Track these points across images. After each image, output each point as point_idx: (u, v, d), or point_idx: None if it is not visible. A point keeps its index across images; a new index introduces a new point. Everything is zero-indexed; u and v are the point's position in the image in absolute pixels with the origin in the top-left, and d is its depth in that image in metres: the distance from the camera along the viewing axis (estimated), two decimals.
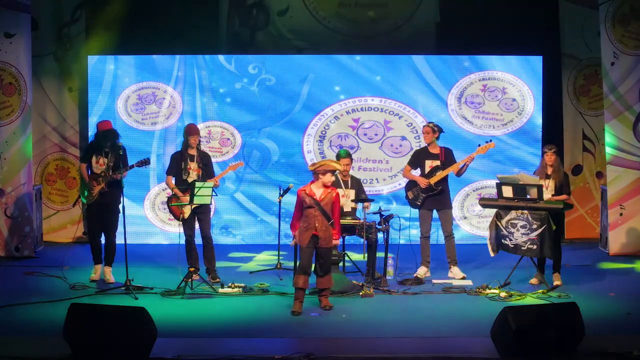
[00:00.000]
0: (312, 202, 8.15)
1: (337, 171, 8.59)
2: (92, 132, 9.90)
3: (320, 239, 8.16)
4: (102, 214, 9.37)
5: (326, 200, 8.19)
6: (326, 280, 8.26)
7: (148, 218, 12.06)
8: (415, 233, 9.90)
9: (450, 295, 8.85)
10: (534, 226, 8.86)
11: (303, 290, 8.16)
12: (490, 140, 9.67)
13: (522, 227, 8.93)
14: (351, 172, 9.65)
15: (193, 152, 9.45)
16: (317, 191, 8.21)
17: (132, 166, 9.18)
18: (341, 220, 8.71)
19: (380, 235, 9.19)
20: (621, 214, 11.02)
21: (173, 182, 9.47)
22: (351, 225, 9.12)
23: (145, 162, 9.21)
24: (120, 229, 9.18)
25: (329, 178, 8.19)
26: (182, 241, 9.48)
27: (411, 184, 9.73)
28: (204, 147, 9.76)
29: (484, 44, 11.92)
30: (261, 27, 12.29)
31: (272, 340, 7.23)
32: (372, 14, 12.19)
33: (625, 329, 7.56)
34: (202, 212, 9.43)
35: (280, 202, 10.19)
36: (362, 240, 9.01)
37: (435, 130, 9.60)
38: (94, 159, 9.35)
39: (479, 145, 9.64)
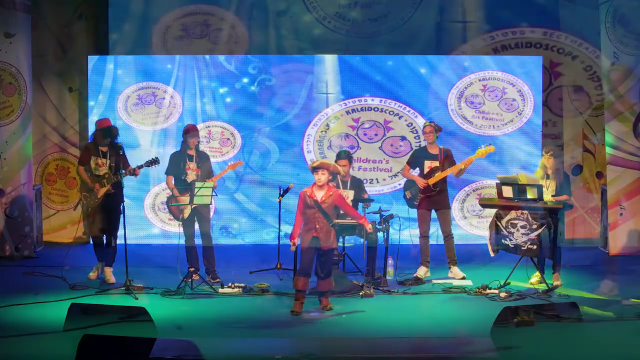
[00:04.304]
0: (312, 204, 8.14)
1: (338, 173, 8.56)
2: (92, 131, 9.82)
3: (321, 240, 8.15)
4: (106, 215, 9.35)
5: (328, 202, 8.17)
6: (327, 282, 8.24)
7: (148, 218, 12.06)
8: (415, 233, 9.92)
9: (450, 295, 8.85)
10: (534, 226, 8.85)
11: (303, 291, 8.17)
12: (490, 144, 9.65)
13: (522, 227, 8.92)
14: (351, 172, 9.64)
15: (192, 152, 9.45)
16: (319, 193, 8.20)
17: (142, 166, 9.15)
18: (341, 221, 8.72)
19: (380, 235, 9.19)
20: (621, 214, 11.02)
21: (173, 182, 9.48)
22: (351, 225, 9.11)
23: (154, 162, 9.19)
24: (120, 229, 9.18)
25: (318, 176, 8.17)
26: (182, 241, 9.49)
27: (409, 184, 9.74)
28: (203, 147, 9.75)
29: (483, 44, 11.91)
30: (261, 27, 12.28)
31: (272, 340, 7.23)
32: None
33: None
34: (202, 212, 9.43)
35: (280, 202, 10.18)
36: (362, 240, 9.00)
37: (436, 129, 9.62)
38: (92, 161, 9.33)
39: (479, 148, 9.65)
